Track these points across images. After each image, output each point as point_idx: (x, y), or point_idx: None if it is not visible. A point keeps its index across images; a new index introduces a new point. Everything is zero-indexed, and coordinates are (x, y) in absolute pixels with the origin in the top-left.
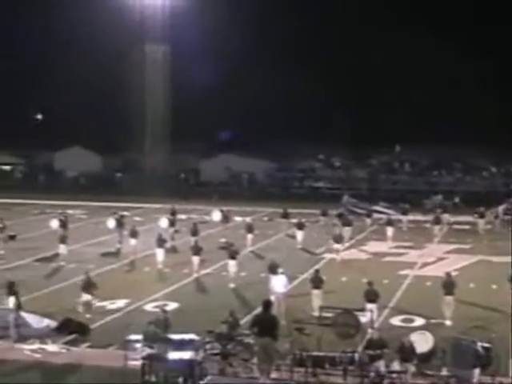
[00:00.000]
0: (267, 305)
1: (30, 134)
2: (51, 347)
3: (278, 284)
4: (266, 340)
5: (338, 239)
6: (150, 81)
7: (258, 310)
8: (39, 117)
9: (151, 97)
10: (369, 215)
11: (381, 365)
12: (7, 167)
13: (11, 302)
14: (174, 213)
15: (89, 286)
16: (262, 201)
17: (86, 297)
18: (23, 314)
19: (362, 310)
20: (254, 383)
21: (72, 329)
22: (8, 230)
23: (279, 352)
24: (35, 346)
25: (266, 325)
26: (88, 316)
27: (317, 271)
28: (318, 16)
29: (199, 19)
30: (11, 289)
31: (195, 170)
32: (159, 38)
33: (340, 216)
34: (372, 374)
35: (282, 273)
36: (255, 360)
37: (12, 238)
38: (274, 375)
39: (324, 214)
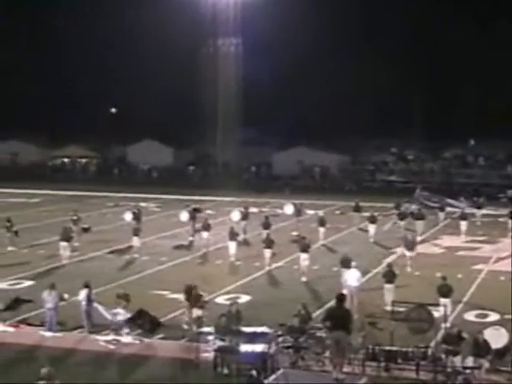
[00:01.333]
0: (340, 299)
1: (104, 128)
2: (125, 338)
3: (351, 278)
4: (338, 334)
5: (411, 246)
6: (222, 74)
7: (331, 303)
8: (113, 111)
9: (224, 90)
10: (442, 209)
11: (457, 360)
12: (83, 160)
13: (83, 294)
14: (246, 206)
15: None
16: (334, 194)
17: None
18: (97, 306)
19: (436, 304)
20: (327, 377)
21: (144, 321)
22: (82, 222)
23: (352, 346)
24: (110, 337)
25: (338, 319)
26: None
27: (389, 265)
28: (390, 6)
29: (271, 12)
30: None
31: (267, 163)
32: (231, 32)
33: (408, 216)
34: (446, 370)
35: (355, 267)
36: (327, 354)
37: (86, 230)
38: (346, 369)
39: (397, 207)
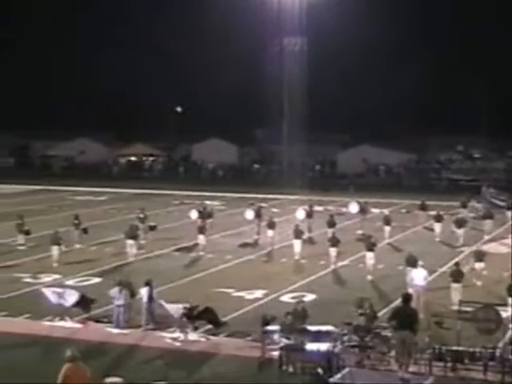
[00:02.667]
0: (407, 298)
1: (170, 126)
2: (191, 336)
3: (418, 277)
4: (404, 333)
5: (481, 256)
6: (287, 72)
7: (396, 302)
8: (179, 110)
9: (289, 89)
10: (509, 208)
11: None
12: (149, 159)
13: (144, 291)
14: (310, 204)
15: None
16: (399, 193)
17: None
18: (163, 303)
19: (504, 304)
20: (392, 376)
21: (208, 319)
22: (149, 220)
23: (418, 346)
24: (176, 335)
25: (405, 318)
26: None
27: (457, 264)
28: (453, 3)
29: (336, 10)
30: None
31: (332, 162)
32: (297, 31)
33: (465, 223)
34: None
35: (421, 266)
36: (393, 353)
37: (153, 228)
38: (412, 369)
39: (463, 206)
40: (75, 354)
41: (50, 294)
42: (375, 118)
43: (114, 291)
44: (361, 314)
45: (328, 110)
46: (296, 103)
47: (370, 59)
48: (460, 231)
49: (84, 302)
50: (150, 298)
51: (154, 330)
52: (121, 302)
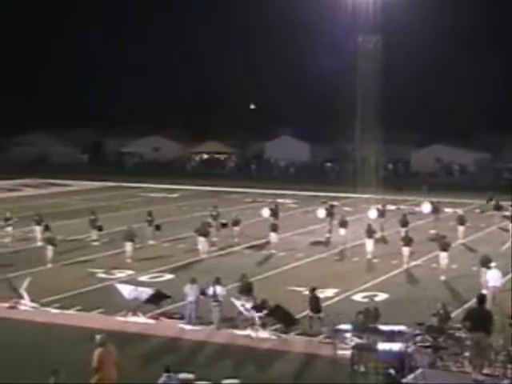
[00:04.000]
0: (481, 299)
1: (243, 124)
2: (261, 333)
3: (492, 278)
4: (479, 335)
5: None
6: (362, 71)
7: (470, 303)
8: (252, 107)
9: (363, 87)
10: None
11: None
12: (221, 156)
13: (212, 289)
14: (383, 203)
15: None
16: (473, 192)
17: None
18: (234, 301)
19: None
20: (466, 378)
21: (280, 317)
22: (221, 217)
23: (492, 347)
24: (246, 332)
25: (479, 319)
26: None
27: None
28: None
29: (411, 9)
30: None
31: (405, 161)
32: (372, 29)
33: None
34: None
35: (496, 267)
36: (467, 354)
37: (225, 225)
38: (486, 371)
39: None
40: (104, 339)
41: (123, 289)
42: (449, 116)
43: (187, 288)
44: (434, 315)
45: (402, 109)
46: (370, 101)
47: (445, 58)
48: None
49: (157, 298)
50: (215, 295)
51: (225, 327)
52: (192, 298)
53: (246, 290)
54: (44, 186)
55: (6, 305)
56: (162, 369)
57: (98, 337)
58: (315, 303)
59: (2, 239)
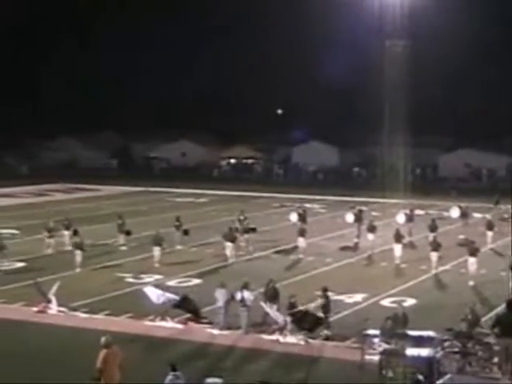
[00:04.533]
0: (511, 304)
1: (270, 129)
2: (289, 338)
3: None
4: (508, 341)
5: None
6: (389, 75)
7: (499, 309)
8: (279, 112)
9: (391, 91)
10: None
11: None
12: (249, 161)
13: (240, 294)
14: (411, 208)
15: None
16: (502, 197)
17: None
18: (262, 304)
19: None
20: None
21: (307, 322)
22: (249, 222)
23: None
24: (275, 337)
25: (508, 325)
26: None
27: None
28: None
29: (439, 13)
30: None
31: (433, 165)
32: (400, 33)
33: None
34: None
35: None
36: (496, 360)
37: (252, 230)
38: None
39: None
40: (109, 340)
41: (151, 293)
42: (478, 120)
43: (217, 293)
44: (463, 320)
45: (430, 113)
46: (398, 106)
47: (474, 60)
48: None
49: (186, 303)
50: (243, 300)
51: (253, 331)
52: (221, 303)
53: (273, 295)
54: (73, 190)
55: (35, 309)
56: (195, 374)
57: (103, 338)
58: (325, 304)
59: (46, 249)
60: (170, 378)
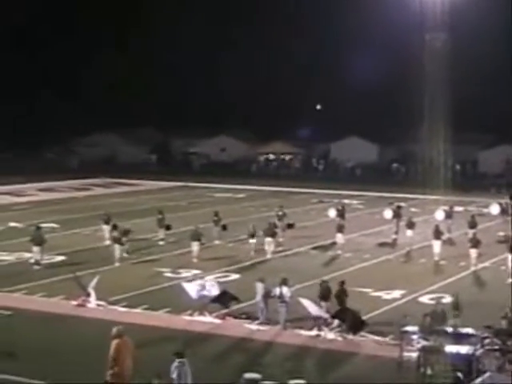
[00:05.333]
0: None
1: (309, 124)
2: (328, 334)
3: None
4: None
5: None
6: (429, 70)
7: None
8: (318, 107)
9: (430, 86)
10: None
11: None
12: (287, 157)
13: (278, 290)
14: (450, 205)
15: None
16: None
17: None
18: (302, 300)
19: None
20: None
21: (347, 318)
22: (287, 218)
23: None
24: (313, 333)
25: None
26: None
27: None
28: None
29: (481, 7)
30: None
31: (473, 162)
32: (440, 27)
33: None
34: None
35: None
36: None
37: (291, 226)
38: None
39: None
40: (121, 330)
41: (190, 288)
42: None
43: (256, 286)
44: (503, 317)
45: (470, 109)
46: (437, 102)
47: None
48: None
49: (224, 298)
50: (281, 296)
51: (292, 327)
52: (259, 297)
53: (325, 294)
54: (112, 185)
55: (75, 303)
56: (175, 355)
57: (114, 328)
58: (341, 298)
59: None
60: (176, 365)
